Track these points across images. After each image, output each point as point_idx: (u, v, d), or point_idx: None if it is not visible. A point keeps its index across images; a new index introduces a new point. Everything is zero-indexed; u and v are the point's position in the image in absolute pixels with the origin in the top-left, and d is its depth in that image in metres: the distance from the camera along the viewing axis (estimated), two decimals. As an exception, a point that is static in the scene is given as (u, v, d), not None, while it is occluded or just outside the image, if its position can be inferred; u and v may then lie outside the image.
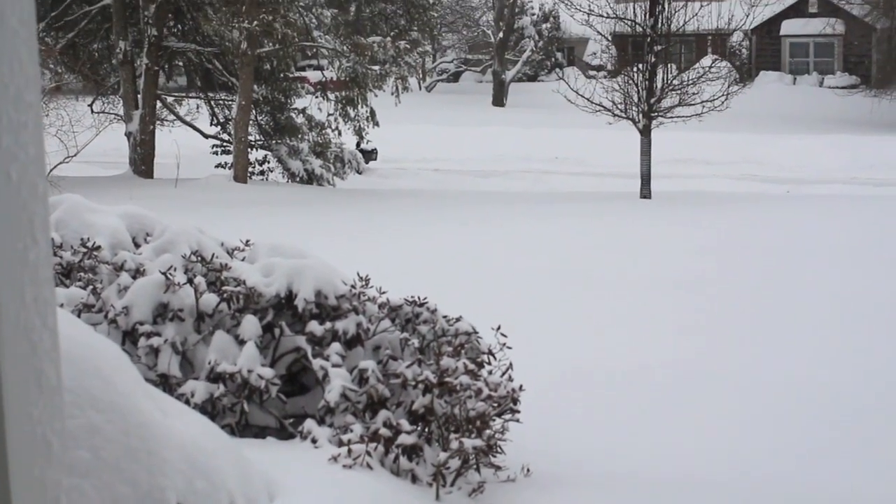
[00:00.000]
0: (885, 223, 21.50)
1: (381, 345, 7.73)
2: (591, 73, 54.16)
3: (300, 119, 29.46)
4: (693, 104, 26.23)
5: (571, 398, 10.07)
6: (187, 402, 6.94)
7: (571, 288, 15.07)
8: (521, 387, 7.52)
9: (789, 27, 60.85)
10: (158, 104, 29.33)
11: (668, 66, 27.12)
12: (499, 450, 7.24)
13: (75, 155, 25.33)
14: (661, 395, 10.29)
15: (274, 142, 29.19)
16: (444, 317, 8.05)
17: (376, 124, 29.94)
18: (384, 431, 6.86)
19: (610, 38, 29.15)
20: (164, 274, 7.41)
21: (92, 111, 29.42)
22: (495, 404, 7.33)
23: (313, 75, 32.07)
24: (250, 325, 7.39)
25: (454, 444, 6.91)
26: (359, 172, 31.14)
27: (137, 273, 7.67)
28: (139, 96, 27.86)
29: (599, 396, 10.20)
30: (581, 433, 9.13)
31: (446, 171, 34.50)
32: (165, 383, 7.13)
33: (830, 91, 57.62)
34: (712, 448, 8.93)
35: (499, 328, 7.86)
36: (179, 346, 7.29)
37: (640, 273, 16.07)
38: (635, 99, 26.36)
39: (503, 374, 7.65)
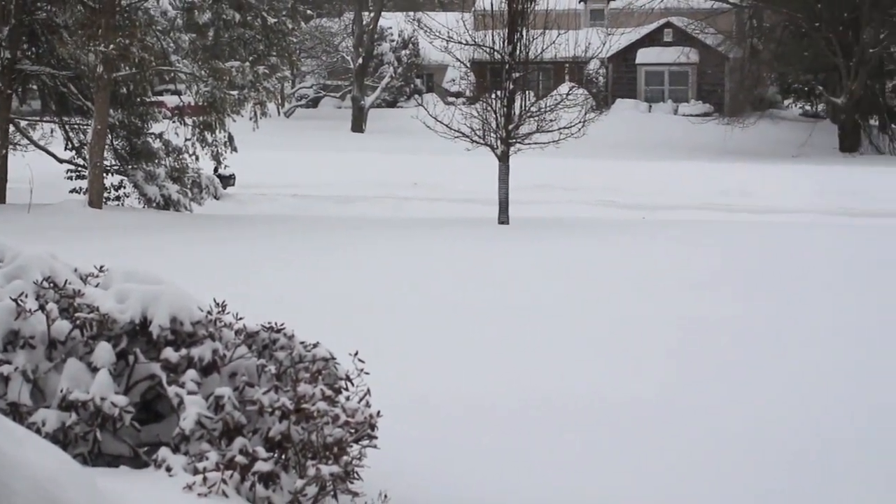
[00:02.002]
0: (737, 248, 21.92)
1: (238, 371, 7.66)
2: (450, 99, 54.52)
3: (157, 144, 29.13)
4: (551, 131, 26.47)
5: (428, 424, 10.08)
6: (38, 432, 6.82)
7: (429, 314, 15.11)
8: (378, 412, 7.51)
9: (645, 56, 61.90)
10: (11, 128, 28.80)
11: (527, 93, 27.35)
12: (356, 476, 7.21)
13: (-76, 179, 24.80)
14: (515, 422, 10.35)
15: (130, 167, 28.82)
16: (302, 343, 8.01)
17: (234, 149, 29.77)
18: (240, 459, 6.79)
19: (469, 64, 29.32)
20: (14, 300, 7.27)
21: (-58, 135, 28.82)
22: (353, 430, 7.30)
23: (171, 100, 31.75)
24: (104, 353, 7.27)
25: (311, 471, 6.87)
26: (216, 198, 30.87)
27: (-13, 300, 7.51)
28: (-9, 120, 27.34)
29: (456, 422, 10.23)
30: (437, 458, 9.14)
31: (305, 197, 34.40)
32: (16, 412, 6.99)
33: (685, 119, 58.73)
34: (569, 472, 9.01)
35: (356, 354, 7.84)
36: (30, 374, 7.15)
37: (494, 298, 16.16)
38: (493, 125, 26.54)
39: (361, 399, 7.63)
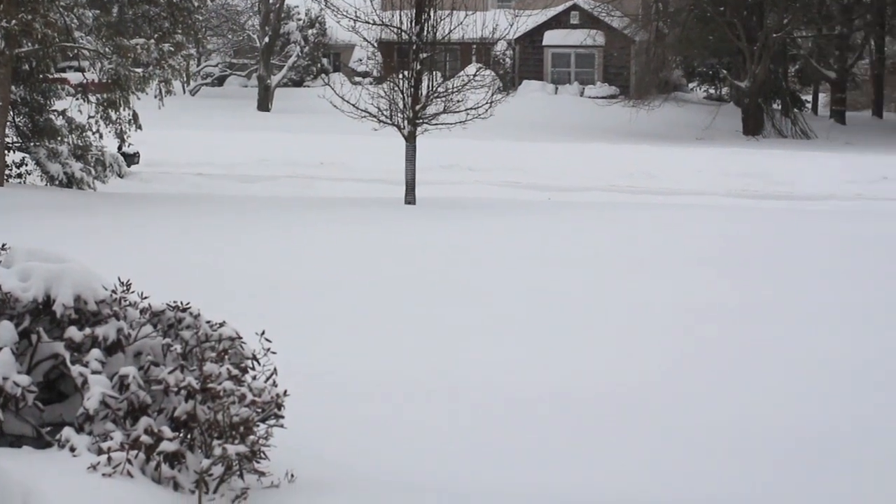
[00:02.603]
0: (641, 229, 22.11)
1: (143, 350, 7.60)
2: (357, 79, 54.34)
3: (60, 121, 28.70)
4: (457, 111, 26.51)
5: (335, 404, 10.08)
6: (-61, 411, 6.73)
7: (334, 292, 15.09)
8: (285, 392, 7.49)
9: (552, 38, 62.12)
10: None
11: (434, 73, 27.34)
12: (263, 455, 7.19)
13: None
14: (419, 399, 10.38)
15: (32, 144, 28.39)
16: (208, 322, 7.97)
17: (139, 127, 29.39)
18: (145, 438, 6.75)
19: (376, 44, 29.25)
20: (-86, 278, 7.16)
21: None
22: (259, 410, 7.28)
23: (74, 77, 31.27)
24: (5, 331, 7.18)
25: (217, 451, 6.84)
26: (120, 176, 30.49)
27: None
28: None
29: (362, 402, 10.23)
30: (345, 438, 9.14)
31: (210, 176, 34.13)
32: (-85, 392, 6.89)
33: (591, 101, 58.99)
34: (476, 450, 9.04)
35: (263, 333, 7.82)
36: (-69, 354, 7.05)
37: (400, 277, 16.19)
38: (400, 105, 26.51)
39: (267, 379, 7.61)
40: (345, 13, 27.55)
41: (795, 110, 57.60)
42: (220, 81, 68.83)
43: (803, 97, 66.31)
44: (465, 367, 11.45)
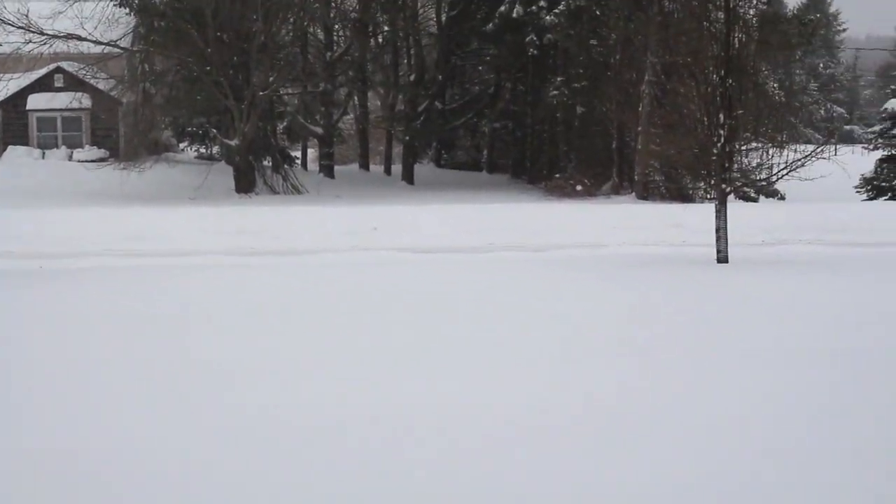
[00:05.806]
0: (146, 292, 21.83)
1: None
2: None
3: None
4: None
5: None
6: None
7: None
8: None
9: (36, 101, 60.71)
10: None
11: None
12: None
13: None
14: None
15: None
16: None
17: None
18: None
19: None
20: None
21: None
22: None
23: None
24: None
25: None
26: None
27: None
28: None
29: None
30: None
31: None
32: None
33: (80, 164, 58.03)
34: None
35: None
36: None
37: None
38: None
39: None
40: None
41: (286, 166, 58.83)
42: None
43: (293, 153, 67.85)
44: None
